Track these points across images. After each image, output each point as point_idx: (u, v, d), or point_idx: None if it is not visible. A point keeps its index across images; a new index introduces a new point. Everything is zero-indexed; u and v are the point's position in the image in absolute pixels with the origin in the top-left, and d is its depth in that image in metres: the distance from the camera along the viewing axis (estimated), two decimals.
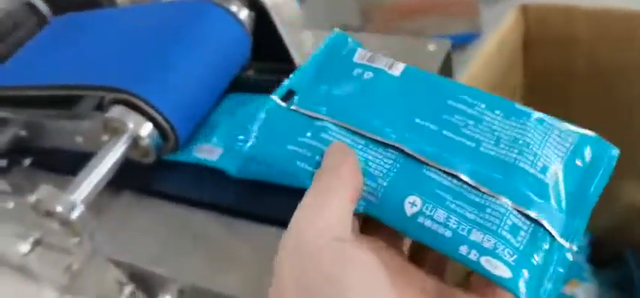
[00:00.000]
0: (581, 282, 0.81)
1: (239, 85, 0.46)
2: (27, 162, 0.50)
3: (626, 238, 0.79)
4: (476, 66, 0.56)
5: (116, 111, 0.37)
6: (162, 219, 0.42)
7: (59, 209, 0.34)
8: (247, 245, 0.38)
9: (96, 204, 0.37)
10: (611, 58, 0.66)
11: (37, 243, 0.45)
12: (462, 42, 0.71)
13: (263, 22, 0.45)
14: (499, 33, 0.60)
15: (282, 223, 0.37)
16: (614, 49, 0.65)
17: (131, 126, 0.37)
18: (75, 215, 0.34)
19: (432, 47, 0.46)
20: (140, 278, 0.40)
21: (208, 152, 0.41)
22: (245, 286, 0.35)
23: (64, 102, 0.44)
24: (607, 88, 0.68)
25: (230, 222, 0.39)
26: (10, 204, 0.46)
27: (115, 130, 0.38)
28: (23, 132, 0.46)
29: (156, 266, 0.38)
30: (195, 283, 0.37)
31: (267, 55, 0.49)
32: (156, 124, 0.38)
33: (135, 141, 0.38)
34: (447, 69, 0.46)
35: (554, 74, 0.71)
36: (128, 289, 0.40)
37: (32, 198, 0.34)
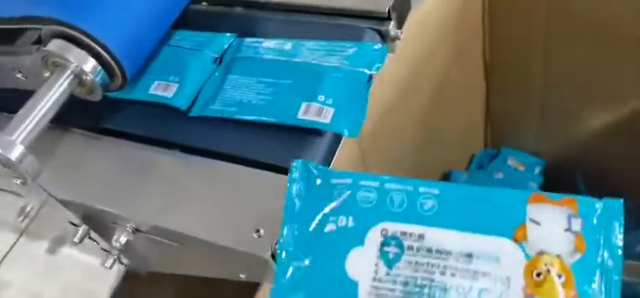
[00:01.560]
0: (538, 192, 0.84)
1: (190, 18, 0.45)
2: None
3: (578, 166, 0.83)
4: (427, 7, 0.56)
5: (55, 45, 0.35)
6: (112, 158, 0.41)
7: None
8: (199, 180, 0.38)
9: (43, 143, 0.36)
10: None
11: None
12: None
13: None
14: None
15: (234, 159, 0.37)
16: None
17: (73, 61, 0.35)
18: (15, 155, 0.32)
19: None
20: (93, 219, 0.39)
21: (164, 88, 0.40)
22: (199, 222, 0.35)
23: (3, 38, 0.41)
24: (566, 24, 0.69)
25: (181, 158, 0.39)
26: None
27: (56, 66, 0.36)
28: None
29: (108, 206, 0.37)
30: (149, 221, 0.36)
31: None
32: (100, 60, 0.36)
33: (79, 77, 0.37)
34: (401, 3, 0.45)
35: (513, 12, 0.70)
36: (82, 230, 0.40)
37: None
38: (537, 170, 0.88)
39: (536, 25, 0.69)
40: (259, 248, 0.32)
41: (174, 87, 0.40)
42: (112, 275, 0.52)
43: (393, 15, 0.44)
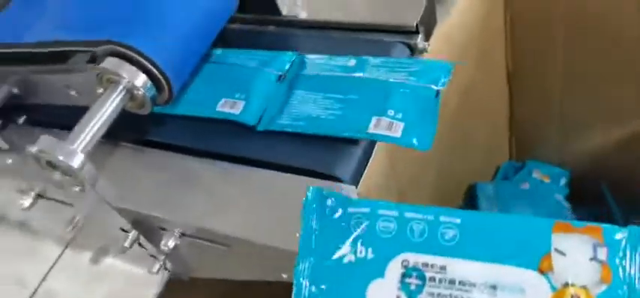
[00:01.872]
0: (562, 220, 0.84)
1: (227, 38, 0.47)
2: (21, 120, 0.51)
3: (602, 173, 0.83)
4: (456, 11, 0.58)
5: (110, 63, 0.38)
6: (159, 168, 0.43)
7: (61, 158, 0.35)
8: (240, 187, 0.40)
9: (95, 156, 0.38)
10: (588, 4, 0.67)
11: (38, 197, 0.46)
12: None
13: None
14: None
15: (273, 166, 0.39)
16: None
17: (126, 77, 0.38)
18: (77, 163, 0.35)
19: None
20: (142, 225, 0.42)
21: (231, 106, 0.42)
22: (244, 224, 0.37)
23: (57, 58, 0.44)
24: (585, 32, 0.70)
25: (223, 167, 0.41)
26: (9, 160, 0.47)
27: (110, 82, 0.39)
28: (16, 90, 0.47)
29: (157, 211, 0.40)
30: (196, 224, 0.38)
31: (254, 6, 0.50)
32: (150, 75, 0.39)
33: (130, 92, 0.39)
34: (430, 13, 0.47)
35: (533, 20, 0.72)
36: (132, 234, 0.42)
37: (33, 149, 0.36)
38: (563, 181, 0.89)
39: (556, 35, 0.71)
40: None
41: (240, 105, 0.42)
42: (154, 284, 0.55)
43: (421, 29, 0.46)
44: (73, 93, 0.43)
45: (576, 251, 0.27)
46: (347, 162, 0.38)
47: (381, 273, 0.29)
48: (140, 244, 0.44)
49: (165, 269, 0.48)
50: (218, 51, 0.48)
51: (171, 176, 0.42)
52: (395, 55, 0.45)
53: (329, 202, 0.31)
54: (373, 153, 0.41)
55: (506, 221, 0.29)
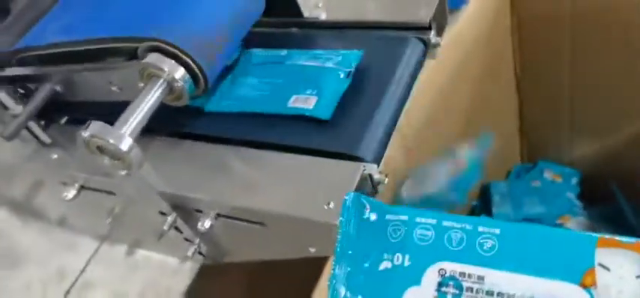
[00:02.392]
0: (573, 217, 0.86)
1: (251, 39, 0.51)
2: (63, 120, 0.55)
3: (612, 173, 0.85)
4: (466, 13, 0.61)
5: (153, 58, 0.42)
6: (193, 156, 0.47)
7: (111, 141, 0.38)
8: (267, 170, 0.43)
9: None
10: (594, 4, 0.70)
11: (82, 188, 0.49)
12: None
13: None
14: None
15: (298, 150, 0.43)
16: None
17: (166, 70, 0.42)
18: (126, 146, 0.39)
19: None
20: (180, 208, 0.45)
21: (303, 101, 0.45)
22: (275, 200, 0.40)
23: (95, 57, 0.48)
24: (593, 31, 0.73)
25: (251, 153, 0.45)
26: (54, 155, 0.51)
27: (151, 76, 0.43)
28: (59, 88, 0.51)
29: (196, 193, 0.43)
30: (231, 203, 0.42)
31: (278, 9, 0.54)
32: (188, 69, 0.43)
33: (169, 85, 0.43)
34: (442, 11, 0.51)
35: (540, 21, 0.75)
36: (171, 217, 0.45)
37: (85, 134, 0.39)
38: (574, 181, 0.91)
39: (563, 35, 0.74)
40: (331, 217, 0.37)
41: (313, 100, 0.45)
42: (186, 271, 0.58)
43: (433, 25, 0.50)
44: (114, 88, 0.47)
45: (621, 268, 0.26)
46: (369, 143, 0.42)
47: (417, 281, 0.29)
48: (176, 228, 0.48)
49: (200, 253, 0.51)
50: (283, 52, 0.51)
51: (204, 163, 0.46)
52: (410, 50, 0.48)
53: (367, 208, 0.31)
54: (391, 140, 0.44)
55: (547, 233, 0.28)
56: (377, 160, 0.42)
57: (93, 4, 0.51)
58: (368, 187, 0.40)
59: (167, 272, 0.58)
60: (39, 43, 0.50)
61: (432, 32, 0.50)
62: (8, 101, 0.49)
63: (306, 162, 0.43)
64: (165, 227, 0.46)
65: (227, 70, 0.51)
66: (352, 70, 0.46)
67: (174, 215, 0.45)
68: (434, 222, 0.30)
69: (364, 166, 0.40)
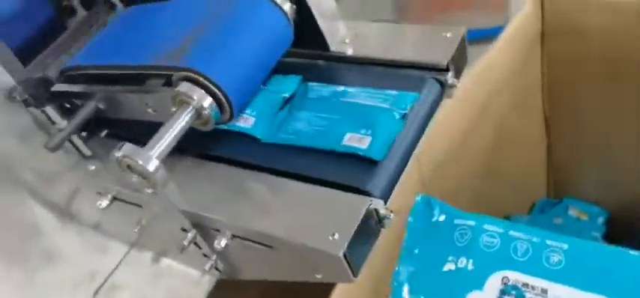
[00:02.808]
0: None
1: (280, 69, 0.54)
2: (103, 134, 0.60)
3: (638, 213, 0.84)
4: (491, 54, 0.63)
5: (184, 87, 0.46)
6: (214, 178, 0.50)
7: (140, 162, 0.42)
8: (281, 197, 0.46)
9: (164, 164, 0.46)
10: (623, 47, 0.71)
11: (114, 199, 0.54)
12: (492, 34, 0.75)
13: (303, 13, 0.52)
14: (514, 24, 0.66)
15: (310, 180, 0.46)
16: (626, 38, 0.70)
17: (196, 99, 0.46)
18: (152, 167, 0.42)
19: (448, 34, 0.52)
20: (200, 226, 0.49)
21: (358, 140, 0.46)
22: (285, 227, 0.43)
23: (135, 80, 0.53)
24: (620, 76, 0.73)
25: (267, 178, 0.48)
26: (92, 167, 0.55)
27: (182, 102, 0.47)
28: (102, 105, 0.55)
29: (215, 214, 0.46)
30: (245, 226, 0.45)
31: (306, 42, 0.57)
32: (215, 98, 0.46)
33: (198, 112, 0.47)
34: (461, 54, 0.52)
35: (570, 62, 0.76)
36: (191, 234, 0.49)
37: (118, 154, 0.43)
38: (600, 220, 0.90)
39: (593, 78, 0.74)
40: (334, 248, 0.40)
41: (367, 140, 0.46)
42: (205, 283, 0.61)
43: (451, 67, 0.52)
44: (150, 110, 0.51)
45: None
46: (378, 179, 0.44)
47: (480, 286, 0.29)
48: (196, 243, 0.51)
49: (216, 268, 0.54)
50: (340, 88, 0.53)
51: (224, 185, 0.49)
52: (427, 89, 0.50)
53: (436, 211, 0.32)
54: (404, 173, 0.46)
55: (615, 253, 0.28)
56: (385, 196, 0.44)
57: (137, 31, 0.55)
58: (374, 221, 0.43)
59: (189, 283, 0.61)
60: (87, 63, 0.55)
61: (450, 74, 0.52)
62: (55, 116, 0.54)
63: (320, 192, 0.45)
64: (186, 243, 0.49)
65: (285, 102, 0.53)
66: (407, 111, 0.48)
67: (194, 232, 0.49)
68: (501, 230, 0.30)
69: (371, 201, 0.42)
